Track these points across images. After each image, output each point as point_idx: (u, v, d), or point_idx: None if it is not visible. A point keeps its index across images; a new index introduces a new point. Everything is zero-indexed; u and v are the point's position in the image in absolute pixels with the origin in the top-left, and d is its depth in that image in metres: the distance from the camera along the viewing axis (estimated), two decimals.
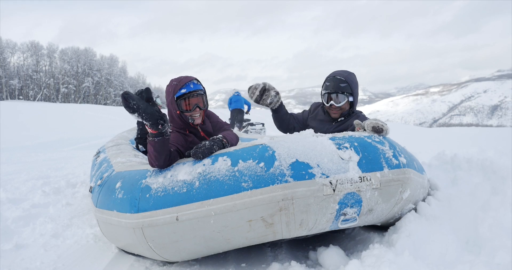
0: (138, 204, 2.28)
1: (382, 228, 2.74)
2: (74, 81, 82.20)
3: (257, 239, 2.21)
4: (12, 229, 3.37)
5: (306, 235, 2.35)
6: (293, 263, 2.42)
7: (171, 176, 2.29)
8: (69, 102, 76.98)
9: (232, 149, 2.33)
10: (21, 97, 75.42)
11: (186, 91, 2.69)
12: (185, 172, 2.26)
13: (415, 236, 2.40)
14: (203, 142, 2.40)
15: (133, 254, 2.73)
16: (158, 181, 2.30)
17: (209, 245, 2.29)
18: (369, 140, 2.33)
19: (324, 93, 3.15)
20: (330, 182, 2.07)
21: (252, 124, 13.18)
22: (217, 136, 2.53)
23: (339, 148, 2.19)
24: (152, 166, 2.41)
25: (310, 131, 2.37)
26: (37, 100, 74.73)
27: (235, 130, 7.31)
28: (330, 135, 2.34)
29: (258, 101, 3.18)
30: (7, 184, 5.27)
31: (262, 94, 3.18)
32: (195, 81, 2.78)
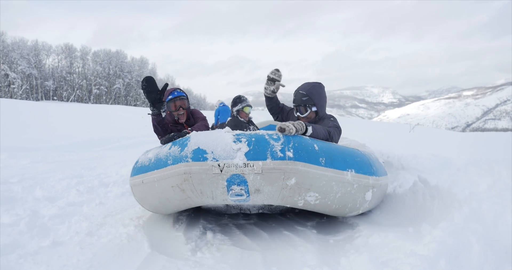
0: (133, 172, 3.48)
1: (418, 236, 2.69)
2: (106, 83, 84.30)
3: (183, 202, 3.13)
4: (49, 226, 3.47)
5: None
6: (325, 268, 2.39)
7: (146, 154, 3.40)
8: (100, 103, 79.00)
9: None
10: (55, 98, 77.95)
11: (172, 97, 3.89)
12: (152, 152, 3.33)
13: (449, 245, 2.34)
14: (172, 134, 3.39)
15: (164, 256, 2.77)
16: (141, 158, 3.45)
17: (162, 202, 3.28)
18: (267, 137, 2.84)
19: (293, 106, 3.79)
20: (219, 165, 2.75)
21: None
22: (186, 130, 3.64)
23: (234, 141, 2.80)
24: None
25: (227, 129, 3.02)
26: (70, 101, 77.03)
27: None
28: (238, 132, 2.94)
29: (273, 82, 3.79)
30: (44, 183, 5.45)
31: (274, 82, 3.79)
32: (179, 90, 4.02)
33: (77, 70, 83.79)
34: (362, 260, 2.41)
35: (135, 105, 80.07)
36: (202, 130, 3.19)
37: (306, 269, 2.48)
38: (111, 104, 79.09)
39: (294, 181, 2.79)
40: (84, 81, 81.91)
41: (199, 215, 3.88)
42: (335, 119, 3.79)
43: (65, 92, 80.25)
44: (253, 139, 2.83)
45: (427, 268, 2.16)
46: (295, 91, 3.77)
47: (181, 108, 3.90)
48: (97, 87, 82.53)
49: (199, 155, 2.80)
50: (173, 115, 3.95)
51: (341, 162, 3.05)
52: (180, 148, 2.92)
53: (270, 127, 6.85)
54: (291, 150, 2.78)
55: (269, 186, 2.81)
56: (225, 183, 2.81)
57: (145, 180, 3.21)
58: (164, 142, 3.35)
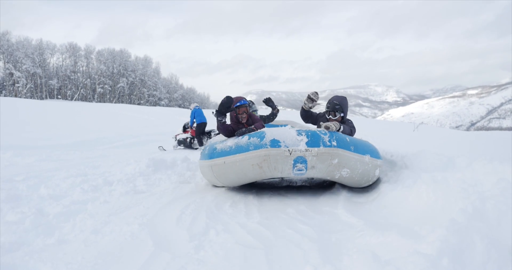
0: (210, 156, 4.72)
1: (421, 235, 2.69)
2: (110, 82, 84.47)
3: (257, 176, 4.46)
4: (54, 224, 3.50)
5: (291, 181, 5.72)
6: (328, 267, 2.40)
7: (225, 143, 4.64)
8: (104, 102, 79.24)
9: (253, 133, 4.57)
10: (59, 96, 78.23)
11: (239, 104, 5.26)
12: (231, 141, 4.60)
13: (452, 244, 2.34)
14: (243, 129, 4.81)
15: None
16: (220, 145, 4.67)
17: (239, 177, 4.60)
18: (317, 132, 4.34)
19: (326, 110, 5.24)
20: (288, 150, 4.15)
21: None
22: (251, 127, 4.95)
23: (297, 135, 4.25)
24: (225, 135, 5.14)
25: (289, 126, 4.70)
26: (75, 100, 77.29)
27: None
28: (298, 128, 4.72)
29: (311, 101, 5.21)
30: (48, 181, 5.48)
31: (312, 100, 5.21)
32: (244, 99, 5.33)
33: (81, 69, 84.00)
34: (365, 259, 2.41)
35: (138, 104, 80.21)
36: (261, 128, 4.98)
37: (308, 267, 2.49)
38: (115, 103, 79.33)
39: (336, 161, 4.29)
40: (88, 80, 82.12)
41: (202, 213, 3.89)
42: (352, 122, 5.29)
43: (69, 91, 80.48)
44: (310, 133, 4.30)
45: (430, 266, 2.16)
46: (330, 100, 5.22)
47: (244, 113, 5.31)
48: (101, 86, 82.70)
49: (275, 143, 4.20)
50: (238, 117, 5.32)
51: (362, 149, 4.54)
52: (259, 139, 4.30)
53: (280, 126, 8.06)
54: (335, 141, 4.28)
55: (321, 164, 4.28)
56: (292, 162, 4.21)
57: (227, 161, 4.50)
58: (239, 135, 4.71)
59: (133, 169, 6.45)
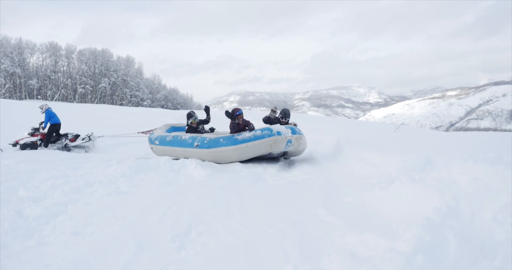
0: (234, 143, 7.57)
1: (397, 233, 2.76)
2: (91, 82, 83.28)
3: (265, 151, 7.58)
4: (33, 227, 3.47)
5: (280, 152, 8.10)
6: (307, 266, 2.45)
7: (244, 134, 7.63)
8: (86, 102, 78.08)
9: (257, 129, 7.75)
10: (39, 97, 76.78)
11: (238, 113, 7.95)
12: (248, 133, 7.61)
13: (427, 242, 2.41)
14: (252, 126, 7.83)
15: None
16: (239, 137, 7.61)
17: (254, 153, 7.62)
18: (294, 127, 8.08)
19: (281, 116, 8.71)
20: (285, 137, 7.55)
21: (77, 136, 12.52)
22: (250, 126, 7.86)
23: (286, 128, 7.74)
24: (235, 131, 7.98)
25: (280, 125, 7.93)
26: (55, 100, 75.98)
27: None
28: (289, 126, 8.00)
29: (274, 113, 9.07)
30: (28, 183, 5.40)
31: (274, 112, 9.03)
32: (241, 110, 8.06)
33: (62, 68, 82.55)
34: (343, 257, 2.47)
35: (121, 105, 79.30)
36: (254, 127, 7.78)
37: (289, 266, 2.53)
38: (96, 103, 78.22)
39: (302, 141, 8.09)
40: (69, 80, 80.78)
41: (184, 214, 3.90)
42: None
43: (49, 91, 79.04)
44: (291, 128, 7.88)
45: (405, 264, 2.23)
46: (283, 111, 8.83)
47: (241, 119, 7.96)
48: (82, 86, 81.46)
49: (279, 133, 7.45)
50: (239, 120, 7.95)
51: (303, 134, 8.40)
52: (269, 131, 7.46)
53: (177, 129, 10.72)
54: (300, 131, 8.18)
55: (296, 143, 7.90)
56: (286, 142, 7.56)
57: (249, 145, 7.50)
58: (251, 130, 7.70)
59: (115, 170, 6.41)
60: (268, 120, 8.73)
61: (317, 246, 2.93)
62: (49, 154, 9.94)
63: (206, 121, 9.57)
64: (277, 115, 8.89)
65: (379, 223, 3.28)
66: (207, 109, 9.79)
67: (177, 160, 7.51)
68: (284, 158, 8.72)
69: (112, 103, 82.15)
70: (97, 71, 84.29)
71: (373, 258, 2.39)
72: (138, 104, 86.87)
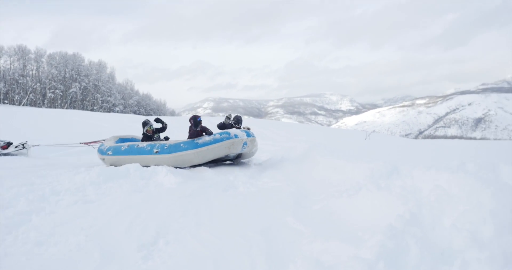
0: (195, 146, 8.11)
1: (362, 241, 2.82)
2: (61, 86, 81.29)
3: (224, 153, 8.23)
4: None
5: (236, 154, 8.81)
6: None
7: (204, 138, 8.21)
8: (55, 108, 76.11)
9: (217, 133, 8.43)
10: (6, 101, 74.35)
11: (199, 119, 8.56)
12: (208, 137, 8.21)
13: (389, 248, 2.48)
14: (209, 131, 8.44)
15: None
16: (201, 140, 8.19)
17: (214, 156, 8.21)
18: (248, 131, 8.92)
19: (234, 122, 9.43)
20: (241, 139, 8.30)
21: (9, 143, 12.25)
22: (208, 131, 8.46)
23: (242, 132, 8.50)
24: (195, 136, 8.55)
25: (236, 129, 8.76)
26: (23, 105, 73.75)
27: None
28: (244, 130, 8.76)
29: (229, 119, 9.74)
30: None
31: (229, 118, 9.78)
32: (201, 117, 8.65)
33: (30, 72, 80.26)
34: (309, 265, 2.51)
35: (92, 110, 77.68)
36: (212, 132, 8.38)
37: None
38: (66, 108, 76.40)
39: (255, 143, 8.98)
40: (38, 84, 78.62)
41: (153, 223, 3.86)
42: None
43: (17, 96, 76.62)
44: (246, 132, 8.63)
45: None
46: (235, 117, 9.58)
47: (201, 125, 8.50)
48: (52, 90, 79.40)
49: (236, 136, 8.17)
50: (199, 126, 8.48)
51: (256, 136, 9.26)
52: (228, 135, 8.14)
53: (131, 140, 10.68)
54: (254, 134, 8.99)
55: (251, 144, 8.75)
56: (242, 144, 8.31)
57: (210, 148, 8.04)
58: (209, 134, 8.28)
59: (83, 178, 6.27)
60: (222, 126, 9.38)
61: (284, 254, 2.96)
62: (15, 161, 9.64)
63: (163, 128, 9.86)
64: (231, 121, 9.65)
65: (346, 230, 3.34)
66: (158, 120, 10.01)
67: (148, 168, 7.43)
68: (237, 160, 9.41)
69: (83, 109, 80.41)
70: (67, 75, 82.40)
71: (338, 265, 2.44)
72: (109, 110, 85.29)
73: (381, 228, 2.78)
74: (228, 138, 8.08)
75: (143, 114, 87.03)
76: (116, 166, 7.83)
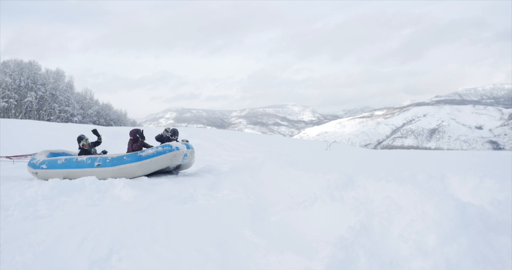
0: (139, 159, 8.37)
1: (314, 252, 2.87)
2: (16, 95, 77.94)
3: (167, 164, 8.66)
4: None
5: (178, 165, 9.26)
6: None
7: (146, 151, 8.55)
8: (9, 117, 72.80)
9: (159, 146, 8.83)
10: None
11: (138, 134, 9.13)
12: (151, 150, 8.60)
13: (339, 259, 2.55)
14: (151, 146, 9.11)
15: None
16: (144, 153, 8.50)
17: (157, 167, 8.57)
18: (188, 143, 9.50)
19: (171, 134, 9.63)
20: (182, 151, 8.83)
21: None
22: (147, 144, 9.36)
23: (182, 144, 9.02)
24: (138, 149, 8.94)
25: (176, 142, 9.16)
26: None
27: None
28: (185, 143, 9.38)
29: (167, 132, 9.80)
30: None
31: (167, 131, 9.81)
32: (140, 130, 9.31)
33: None
34: None
35: (48, 120, 74.90)
36: (151, 146, 9.17)
37: None
38: (21, 118, 73.23)
39: (194, 154, 9.73)
40: None
41: (106, 238, 3.77)
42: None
43: None
44: (186, 144, 9.28)
45: None
46: (174, 129, 9.81)
47: (139, 138, 9.00)
48: (5, 99, 75.96)
49: (178, 149, 8.67)
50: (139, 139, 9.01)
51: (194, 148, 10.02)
52: (170, 147, 8.59)
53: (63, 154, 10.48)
54: (192, 146, 9.73)
55: (190, 156, 9.41)
56: (183, 156, 8.86)
57: (153, 160, 8.36)
58: (149, 148, 8.69)
59: (35, 192, 6.03)
60: (160, 138, 9.69)
61: (239, 267, 2.97)
62: None
63: (98, 142, 10.03)
64: (168, 134, 9.97)
65: (300, 242, 3.40)
66: (95, 132, 10.13)
67: (105, 180, 7.25)
68: (176, 171, 9.80)
69: (39, 119, 77.38)
70: (22, 84, 79.22)
71: None
72: (67, 120, 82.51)
73: (333, 239, 2.85)
74: (170, 151, 8.53)
75: (103, 125, 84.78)
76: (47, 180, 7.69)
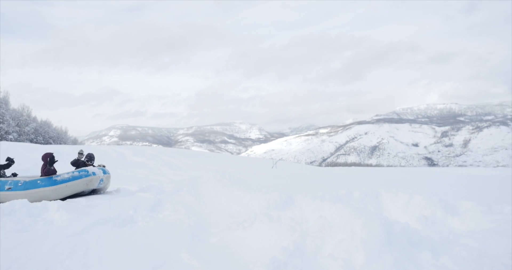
0: (53, 183, 8.32)
1: None
2: None
3: (83, 189, 8.73)
4: None
5: (91, 189, 9.19)
6: None
7: (62, 175, 8.57)
8: None
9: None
10: None
11: (54, 157, 8.97)
12: (66, 174, 8.64)
13: None
14: (64, 172, 8.96)
15: None
16: (60, 177, 8.49)
17: (72, 192, 8.57)
18: (104, 169, 9.68)
19: (86, 160, 9.73)
20: (99, 176, 9.05)
21: None
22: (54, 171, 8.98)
23: (99, 170, 9.28)
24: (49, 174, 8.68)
25: (93, 167, 9.44)
26: None
27: None
28: (101, 168, 9.55)
29: (82, 155, 9.80)
30: None
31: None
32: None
33: None
34: None
35: None
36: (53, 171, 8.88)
37: None
38: None
39: (110, 179, 9.85)
40: None
41: (33, 266, 3.56)
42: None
43: None
44: (103, 169, 9.48)
45: None
46: (89, 154, 9.90)
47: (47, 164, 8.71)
48: None
49: (94, 174, 8.88)
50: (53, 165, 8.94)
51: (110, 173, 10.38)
52: (86, 172, 8.75)
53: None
54: (109, 172, 9.92)
55: (106, 181, 9.59)
56: (99, 181, 9.06)
57: (68, 185, 8.42)
58: (62, 173, 8.64)
59: None
60: (76, 163, 9.61)
61: None
62: None
63: (9, 164, 9.67)
64: (83, 159, 9.92)
65: (238, 263, 3.41)
66: (8, 160, 9.85)
67: (38, 203, 6.87)
68: (90, 194, 9.92)
69: None
70: None
71: None
72: (1, 138, 77.42)
73: (267, 260, 2.89)
74: (86, 176, 8.71)
75: (41, 143, 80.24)
76: None
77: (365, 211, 3.37)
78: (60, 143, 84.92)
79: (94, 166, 9.73)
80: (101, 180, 9.29)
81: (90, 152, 10.47)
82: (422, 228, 4.00)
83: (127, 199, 8.18)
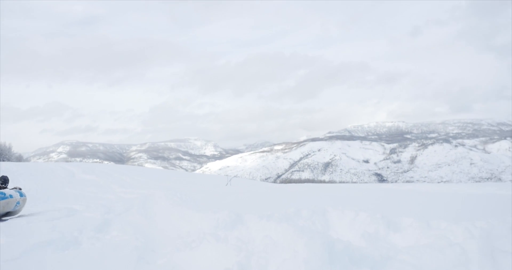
0: None
1: None
2: None
3: (2, 211, 8.54)
4: None
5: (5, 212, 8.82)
6: None
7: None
8: None
9: None
10: None
11: None
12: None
13: None
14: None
15: None
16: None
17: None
18: (21, 191, 9.43)
19: (0, 183, 9.33)
20: (15, 199, 8.79)
21: None
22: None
23: (15, 192, 9.03)
24: None
25: (10, 189, 9.08)
26: None
27: None
28: (16, 190, 9.30)
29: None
30: None
31: None
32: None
33: None
34: None
35: None
36: None
37: None
38: None
39: (26, 202, 9.69)
40: None
41: None
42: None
43: None
44: (19, 192, 9.21)
45: None
46: (4, 177, 9.53)
47: None
48: None
49: (11, 196, 8.62)
50: None
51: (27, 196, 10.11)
52: (3, 195, 8.33)
53: None
54: (25, 194, 9.60)
55: (22, 204, 9.31)
56: (16, 203, 8.83)
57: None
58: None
59: None
60: None
61: None
62: None
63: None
64: None
65: None
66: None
67: None
68: (3, 217, 9.55)
69: None
70: None
71: None
72: None
73: None
74: (3, 198, 8.60)
75: None
76: None
77: (308, 230, 3.47)
78: (4, 160, 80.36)
79: (8, 188, 9.43)
80: (18, 202, 9.15)
81: (4, 174, 10.40)
82: (365, 245, 4.15)
83: (72, 220, 7.88)
